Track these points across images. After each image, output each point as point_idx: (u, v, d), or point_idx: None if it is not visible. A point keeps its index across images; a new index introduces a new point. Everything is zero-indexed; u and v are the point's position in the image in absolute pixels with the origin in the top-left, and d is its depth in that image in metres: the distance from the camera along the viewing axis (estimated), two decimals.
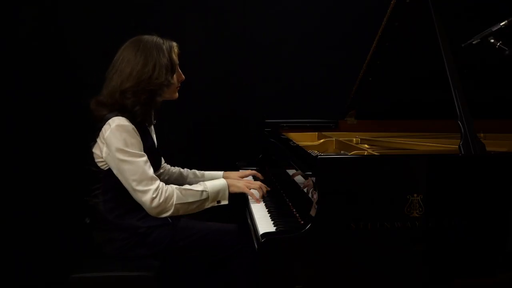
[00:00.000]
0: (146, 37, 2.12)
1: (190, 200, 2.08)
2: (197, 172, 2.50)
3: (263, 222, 1.95)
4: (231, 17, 3.24)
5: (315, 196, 1.69)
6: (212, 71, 3.19)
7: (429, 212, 1.68)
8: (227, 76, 3.26)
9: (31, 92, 3.08)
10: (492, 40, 2.01)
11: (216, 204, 2.16)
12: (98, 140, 2.05)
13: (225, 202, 2.16)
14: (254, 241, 1.89)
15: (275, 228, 1.87)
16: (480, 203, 1.71)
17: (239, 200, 2.31)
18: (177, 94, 2.22)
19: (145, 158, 2.03)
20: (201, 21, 3.22)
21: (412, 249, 1.70)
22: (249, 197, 2.29)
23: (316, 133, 2.84)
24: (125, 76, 2.04)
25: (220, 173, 2.48)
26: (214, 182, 2.17)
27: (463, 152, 1.77)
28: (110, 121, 2.01)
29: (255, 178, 2.51)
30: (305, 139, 2.78)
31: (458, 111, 1.83)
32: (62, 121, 3.12)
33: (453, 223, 1.70)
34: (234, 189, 2.19)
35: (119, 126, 1.99)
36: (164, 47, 2.10)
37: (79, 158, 3.06)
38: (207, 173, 2.51)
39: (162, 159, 2.49)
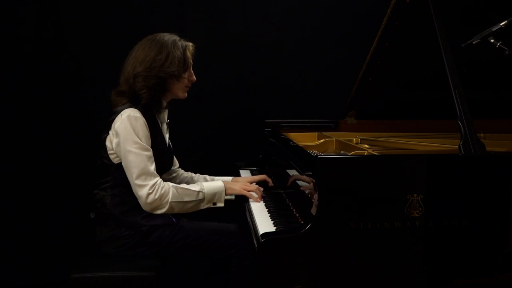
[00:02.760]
0: (164, 33, 2.18)
1: (186, 199, 2.10)
2: (208, 177, 2.50)
3: (263, 222, 1.95)
4: (231, 17, 3.24)
5: (315, 196, 1.69)
6: (212, 71, 3.19)
7: (429, 212, 1.68)
8: (227, 76, 3.26)
9: (31, 91, 3.07)
10: (492, 40, 2.00)
11: (212, 206, 2.17)
12: (110, 132, 2.09)
13: (220, 204, 2.18)
14: (254, 241, 1.89)
15: (275, 228, 1.87)
16: (480, 203, 1.71)
17: (239, 200, 2.31)
18: (186, 94, 2.24)
19: (150, 153, 2.06)
20: (201, 21, 3.22)
21: (412, 249, 1.70)
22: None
23: (316, 133, 2.84)
24: (138, 62, 2.11)
25: (230, 178, 2.46)
26: (211, 184, 2.18)
27: (463, 152, 1.77)
28: (122, 112, 2.06)
29: (264, 183, 2.42)
30: (305, 139, 2.78)
31: (458, 111, 1.82)
32: (61, 120, 3.11)
33: (453, 223, 1.70)
34: (230, 192, 2.21)
35: (129, 117, 2.04)
36: (180, 43, 2.16)
37: (78, 157, 3.10)
38: (217, 178, 2.48)
39: (177, 163, 2.50)
